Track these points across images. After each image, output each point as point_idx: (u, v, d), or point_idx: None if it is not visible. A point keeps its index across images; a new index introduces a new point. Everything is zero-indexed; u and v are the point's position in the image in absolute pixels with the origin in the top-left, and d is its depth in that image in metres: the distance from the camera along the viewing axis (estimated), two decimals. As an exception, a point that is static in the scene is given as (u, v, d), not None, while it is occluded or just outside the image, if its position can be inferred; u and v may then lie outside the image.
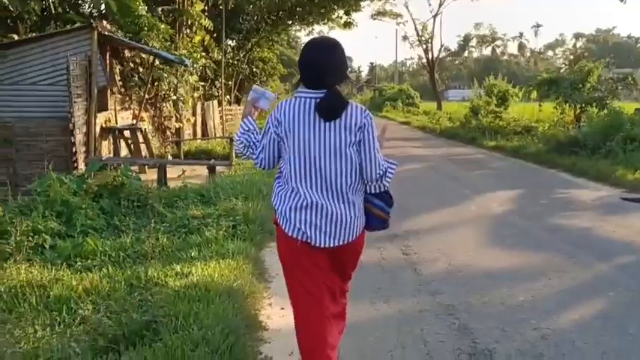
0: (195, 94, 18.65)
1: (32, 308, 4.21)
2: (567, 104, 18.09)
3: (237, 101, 28.27)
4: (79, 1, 15.82)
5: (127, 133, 12.72)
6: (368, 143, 2.96)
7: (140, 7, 13.57)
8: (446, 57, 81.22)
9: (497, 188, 10.60)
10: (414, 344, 4.01)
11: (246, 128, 3.16)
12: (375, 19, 50.07)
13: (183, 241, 6.12)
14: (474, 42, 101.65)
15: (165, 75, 14.89)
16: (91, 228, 6.49)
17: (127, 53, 13.47)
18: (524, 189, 10.67)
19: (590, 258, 6.14)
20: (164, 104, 15.57)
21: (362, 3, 29.72)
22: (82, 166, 10.00)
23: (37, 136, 10.10)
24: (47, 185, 7.05)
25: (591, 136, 14.03)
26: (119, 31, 13.26)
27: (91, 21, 10.75)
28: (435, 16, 46.26)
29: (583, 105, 17.47)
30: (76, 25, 11.90)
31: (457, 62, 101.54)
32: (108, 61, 12.11)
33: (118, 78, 13.02)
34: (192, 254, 5.53)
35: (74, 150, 10.09)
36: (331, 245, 2.95)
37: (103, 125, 11.69)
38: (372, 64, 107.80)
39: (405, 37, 59.34)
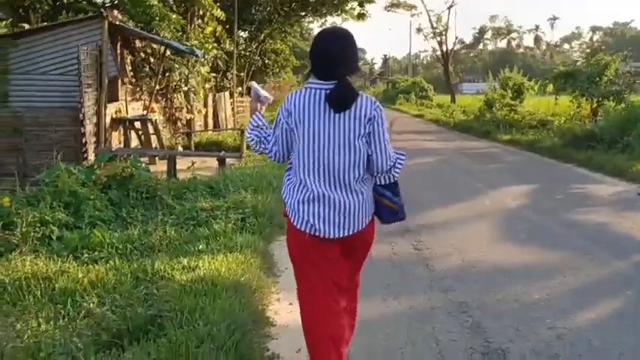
0: (207, 86, 18.59)
1: (37, 301, 4.16)
2: (584, 98, 17.82)
3: (249, 93, 28.11)
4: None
5: (137, 124, 12.67)
6: (378, 135, 2.96)
7: (151, -3, 13.49)
8: (460, 49, 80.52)
9: (512, 183, 10.42)
10: (425, 342, 3.90)
11: (255, 124, 3.19)
12: (389, 10, 49.62)
13: (191, 234, 6.05)
14: (489, 34, 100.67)
15: (177, 66, 14.82)
16: (99, 219, 6.45)
17: (138, 43, 13.41)
18: (539, 184, 10.50)
19: (607, 255, 5.99)
20: (175, 95, 15.51)
21: (376, -6, 29.46)
22: (91, 156, 9.96)
23: (46, 126, 10.06)
24: (55, 176, 7.00)
25: (608, 130, 13.79)
26: (130, 21, 13.19)
27: (102, 10, 10.67)
28: (449, 8, 45.83)
29: (600, 99, 17.20)
30: (88, 14, 11.85)
31: (472, 55, 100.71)
32: (119, 51, 12.05)
33: (129, 68, 12.95)
34: (200, 247, 5.46)
35: (84, 140, 10.05)
36: (340, 235, 2.96)
37: (114, 116, 11.65)
38: (385, 56, 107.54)
39: (419, 29, 59.01)
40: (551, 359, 3.68)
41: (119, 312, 3.84)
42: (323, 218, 2.93)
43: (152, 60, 13.98)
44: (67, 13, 13.39)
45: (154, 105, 13.99)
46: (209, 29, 18.75)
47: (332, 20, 31.00)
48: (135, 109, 13.19)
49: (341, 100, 2.89)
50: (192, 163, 10.79)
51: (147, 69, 13.80)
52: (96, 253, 5.42)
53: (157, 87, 13.98)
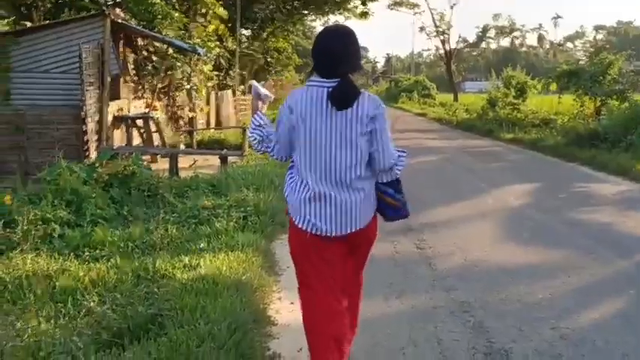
0: (209, 84, 18.56)
1: (37, 299, 4.14)
2: (587, 97, 17.77)
3: (250, 91, 28.14)
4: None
5: (139, 122, 12.65)
6: (380, 133, 2.94)
7: (154, -5, 13.49)
8: (463, 48, 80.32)
9: (515, 181, 10.38)
10: (427, 342, 3.87)
11: (257, 123, 3.18)
12: (391, 9, 49.51)
13: (192, 232, 6.04)
14: (492, 33, 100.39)
15: (179, 64, 14.80)
16: (100, 217, 6.44)
17: (140, 42, 13.39)
18: (542, 182, 10.46)
19: (610, 254, 5.95)
20: (177, 93, 15.49)
21: (378, -8, 29.45)
22: (93, 154, 9.96)
23: (48, 124, 10.05)
24: (57, 174, 6.99)
25: (611, 129, 13.74)
26: (133, 20, 13.18)
27: (104, 8, 10.67)
28: (452, 7, 45.76)
29: (603, 97, 17.15)
30: (90, 12, 11.84)
31: (475, 53, 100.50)
32: (121, 50, 12.03)
33: (131, 66, 12.95)
34: (202, 246, 5.44)
35: (86, 138, 10.04)
36: (342, 233, 2.95)
37: (116, 114, 11.63)
38: (388, 54, 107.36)
39: (422, 28, 58.83)
40: (554, 359, 3.65)
41: (120, 311, 3.81)
42: (324, 217, 2.92)
43: (154, 58, 13.96)
44: (70, 11, 13.39)
45: (156, 103, 13.98)
46: (211, 27, 18.72)
47: (334, 19, 31.07)
48: (137, 107, 13.17)
49: (343, 98, 2.87)
50: (194, 161, 10.79)
51: (149, 67, 13.79)
52: (97, 251, 5.39)
53: (160, 85, 13.98)
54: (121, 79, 12.02)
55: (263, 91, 3.33)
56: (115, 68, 11.10)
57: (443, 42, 47.84)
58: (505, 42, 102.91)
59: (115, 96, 11.65)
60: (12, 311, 3.90)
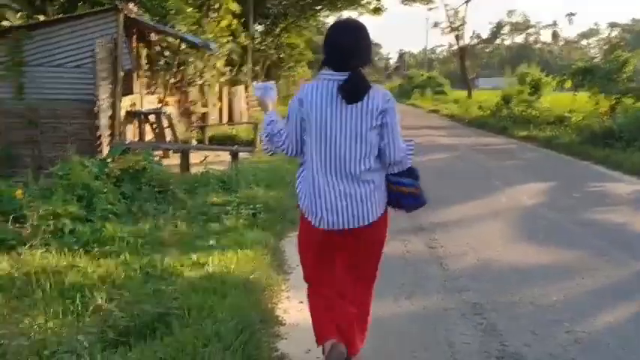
0: (222, 79, 18.54)
1: (46, 295, 4.12)
2: (602, 94, 17.55)
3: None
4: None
5: (152, 118, 12.65)
6: (390, 127, 2.94)
7: (167, -10, 13.47)
8: (477, 44, 79.85)
9: (528, 180, 10.27)
10: (438, 345, 3.80)
11: (269, 121, 3.16)
12: (405, 4, 49.10)
13: (202, 229, 6.01)
14: (506, 29, 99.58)
15: (192, 59, 14.79)
16: (111, 213, 6.42)
17: (153, 37, 13.38)
18: (556, 181, 10.33)
19: (625, 256, 5.85)
20: (190, 89, 15.49)
21: (392, -12, 29.33)
22: (106, 149, 9.94)
23: (62, 119, 10.05)
24: (69, 168, 6.98)
25: (627, 127, 13.56)
26: (146, 14, 13.17)
27: (117, 3, 10.64)
28: (466, 2, 45.31)
29: (619, 96, 16.93)
30: (104, 7, 11.82)
31: (489, 50, 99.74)
32: (134, 45, 12.03)
33: (144, 62, 12.94)
34: (211, 243, 5.41)
35: (98, 133, 10.04)
36: (351, 226, 2.95)
37: (128, 109, 11.62)
38: (401, 50, 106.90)
39: (436, 24, 58.40)
40: (568, 364, 3.58)
41: (127, 309, 3.78)
42: (334, 210, 2.93)
43: (167, 53, 13.95)
44: (84, 4, 13.38)
45: (169, 98, 13.97)
46: (224, 23, 18.67)
47: (348, 14, 30.90)
48: (150, 103, 13.16)
49: (353, 91, 2.87)
50: (205, 157, 10.76)
51: (162, 62, 13.79)
52: (107, 247, 5.37)
53: (172, 80, 13.96)
54: (134, 74, 12.01)
55: (262, 86, 3.28)
56: (128, 63, 11.08)
57: (457, 38, 47.38)
58: (519, 38, 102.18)
59: (128, 91, 11.65)
60: (19, 308, 3.88)
